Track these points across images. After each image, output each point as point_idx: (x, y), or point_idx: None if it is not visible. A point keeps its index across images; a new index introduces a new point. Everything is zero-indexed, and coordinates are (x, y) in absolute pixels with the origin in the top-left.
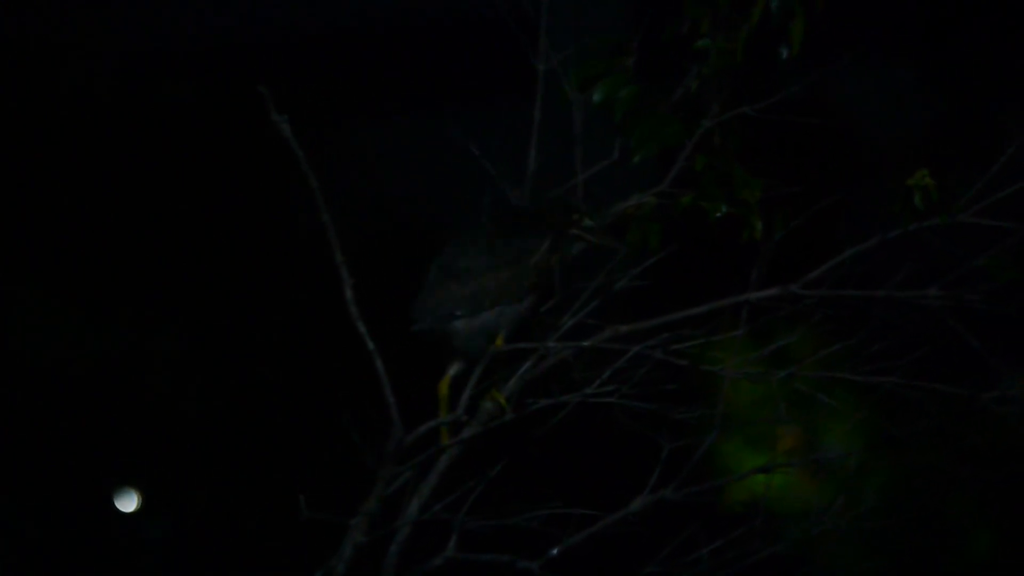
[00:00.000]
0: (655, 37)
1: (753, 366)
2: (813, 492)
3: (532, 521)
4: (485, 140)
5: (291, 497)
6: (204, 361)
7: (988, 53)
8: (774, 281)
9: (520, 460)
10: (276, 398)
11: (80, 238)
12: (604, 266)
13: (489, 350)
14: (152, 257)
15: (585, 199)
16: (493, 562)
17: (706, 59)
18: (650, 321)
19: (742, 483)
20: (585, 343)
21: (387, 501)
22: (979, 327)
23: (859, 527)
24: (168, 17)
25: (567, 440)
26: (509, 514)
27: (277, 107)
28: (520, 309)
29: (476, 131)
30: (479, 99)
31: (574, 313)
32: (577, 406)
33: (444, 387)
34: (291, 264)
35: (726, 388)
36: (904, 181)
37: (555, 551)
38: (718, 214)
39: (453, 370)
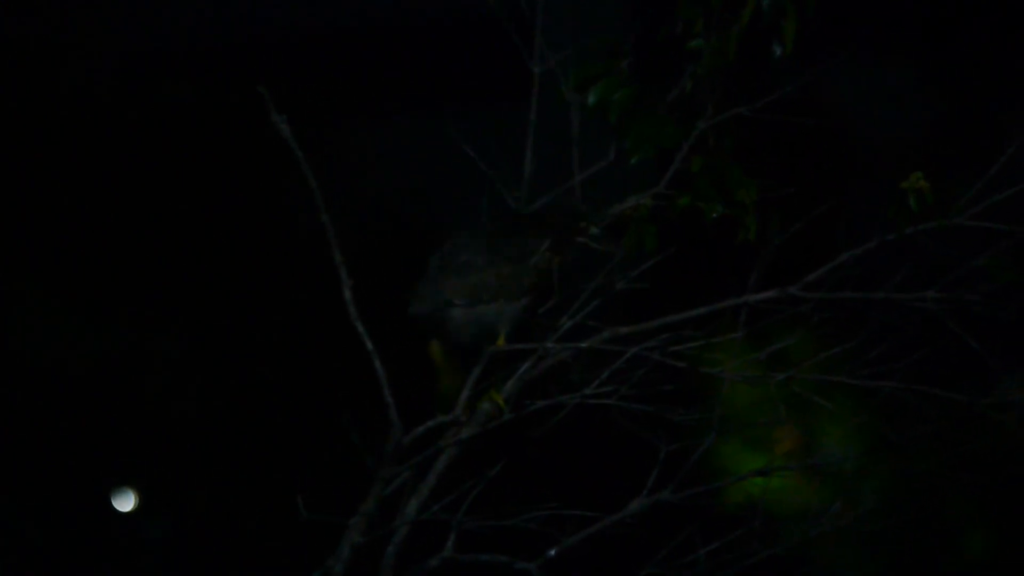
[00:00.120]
0: (651, 38)
1: (751, 368)
2: (811, 494)
3: (530, 522)
4: (482, 141)
5: (289, 497)
6: (203, 361)
7: (985, 53)
8: (773, 283)
9: (518, 461)
10: (275, 398)
11: (80, 238)
12: (603, 268)
13: (488, 349)
14: (151, 257)
15: (582, 201)
16: (491, 562)
17: (699, 59)
18: (649, 323)
19: (740, 485)
20: (584, 344)
21: (385, 501)
22: (978, 329)
23: (857, 529)
24: (168, 17)
25: (565, 441)
26: (507, 515)
27: (276, 107)
28: (518, 307)
29: (473, 132)
30: (476, 100)
31: (573, 314)
32: (575, 407)
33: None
34: (291, 264)
35: (725, 390)
36: (899, 183)
37: (553, 552)
38: (714, 215)
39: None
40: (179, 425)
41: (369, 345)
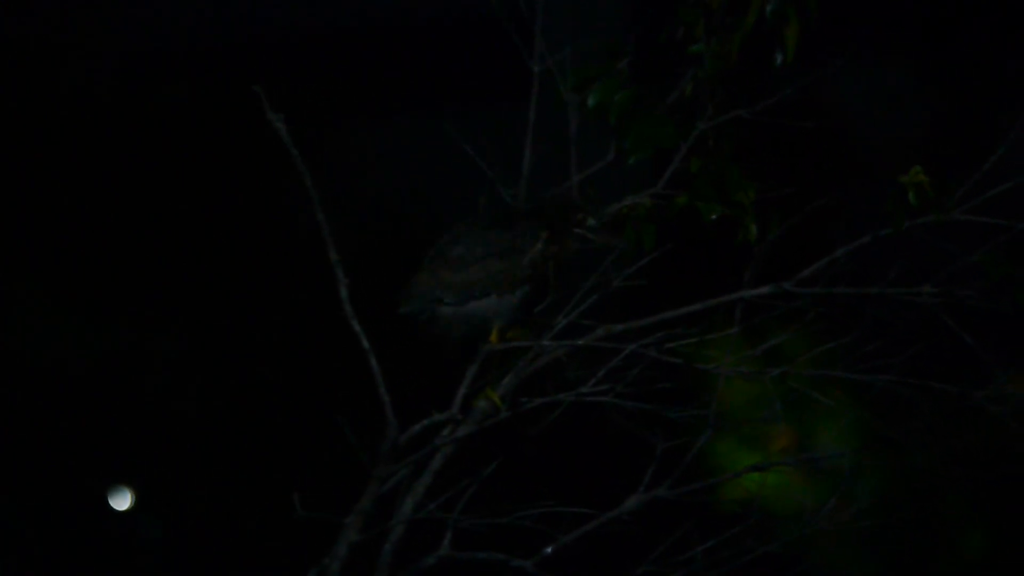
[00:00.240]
0: (651, 39)
1: (747, 364)
2: (807, 491)
3: (526, 520)
4: (481, 140)
5: (286, 496)
6: (201, 361)
7: (983, 53)
8: (768, 279)
9: (514, 459)
10: (272, 397)
11: (80, 238)
12: (599, 265)
13: (482, 347)
14: (151, 257)
15: (582, 200)
16: (487, 560)
17: (700, 63)
18: (644, 320)
19: (736, 482)
20: (579, 342)
21: (382, 499)
22: (972, 324)
23: (853, 526)
24: (168, 17)
25: (561, 439)
26: (503, 513)
27: (275, 107)
28: (512, 301)
29: (472, 131)
30: (476, 100)
31: (568, 312)
32: (571, 405)
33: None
34: (288, 264)
35: (720, 387)
36: (898, 180)
37: (549, 550)
38: (713, 216)
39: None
40: (175, 424)
41: (365, 343)
